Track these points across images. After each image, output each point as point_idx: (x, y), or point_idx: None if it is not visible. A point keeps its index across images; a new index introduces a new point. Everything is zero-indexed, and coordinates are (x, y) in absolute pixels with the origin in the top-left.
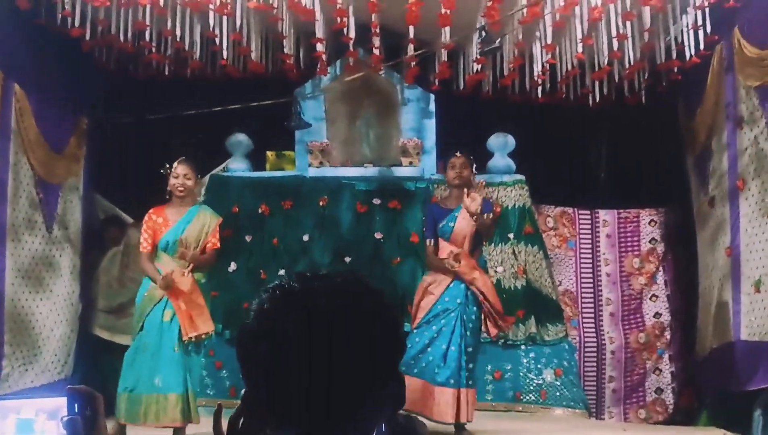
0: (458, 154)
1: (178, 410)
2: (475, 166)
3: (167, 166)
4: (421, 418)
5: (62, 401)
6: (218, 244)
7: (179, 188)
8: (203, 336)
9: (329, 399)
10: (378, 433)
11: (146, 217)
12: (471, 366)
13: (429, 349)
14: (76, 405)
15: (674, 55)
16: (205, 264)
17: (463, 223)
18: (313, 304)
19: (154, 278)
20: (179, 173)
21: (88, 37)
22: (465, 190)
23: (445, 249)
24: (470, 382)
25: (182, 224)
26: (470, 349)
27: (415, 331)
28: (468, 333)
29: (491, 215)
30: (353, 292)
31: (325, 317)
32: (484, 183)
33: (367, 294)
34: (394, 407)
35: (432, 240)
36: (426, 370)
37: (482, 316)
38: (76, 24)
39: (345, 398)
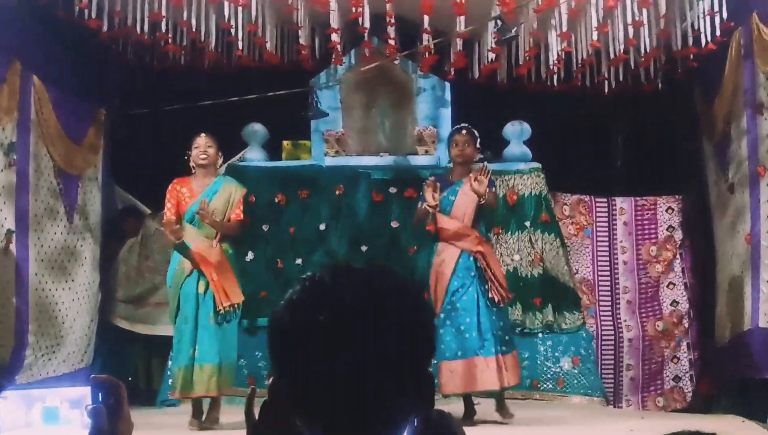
0: (463, 131)
1: (213, 381)
2: (479, 142)
3: (188, 152)
4: (473, 396)
5: (86, 390)
6: (242, 215)
7: (201, 156)
8: (236, 305)
9: (356, 394)
10: (411, 429)
11: (170, 187)
12: (500, 332)
13: (462, 328)
14: (100, 394)
15: (690, 42)
16: (230, 233)
17: (464, 199)
18: (343, 298)
19: (180, 243)
20: (200, 143)
21: (105, 28)
22: (470, 170)
23: (446, 223)
24: (504, 348)
25: (209, 194)
26: (494, 317)
27: (442, 316)
28: (489, 302)
29: (493, 189)
30: (385, 287)
31: (354, 311)
32: (488, 167)
33: (400, 290)
34: (423, 406)
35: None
36: (465, 348)
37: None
38: (93, 16)
39: (373, 394)
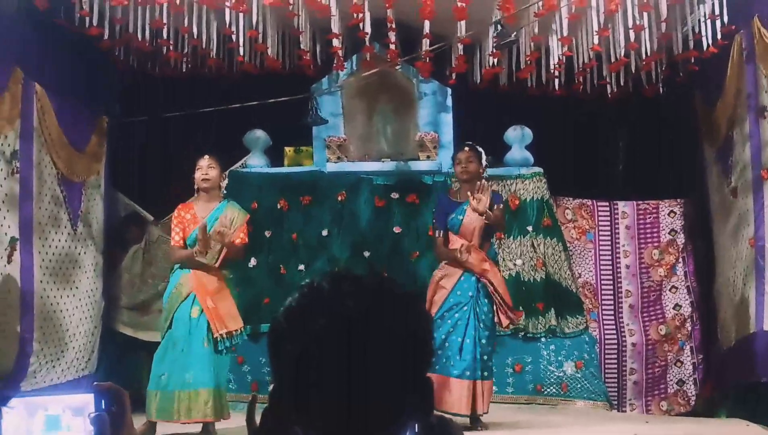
0: (465, 148)
1: (209, 406)
2: (485, 158)
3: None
4: (437, 412)
5: (88, 397)
6: (246, 240)
7: (203, 178)
8: (233, 333)
9: (355, 401)
10: (411, 433)
11: (175, 213)
12: (485, 358)
13: (446, 344)
14: (102, 401)
15: (692, 46)
16: (235, 256)
17: (472, 217)
18: (341, 306)
19: (190, 256)
20: (202, 165)
21: (106, 36)
22: (475, 186)
23: (456, 242)
24: (485, 374)
25: (211, 220)
26: (484, 341)
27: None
28: (481, 325)
29: (501, 206)
30: (384, 295)
31: (353, 319)
32: (486, 184)
33: (399, 297)
34: (422, 413)
35: (441, 231)
36: (443, 364)
37: (494, 308)
38: (94, 23)
39: (371, 401)
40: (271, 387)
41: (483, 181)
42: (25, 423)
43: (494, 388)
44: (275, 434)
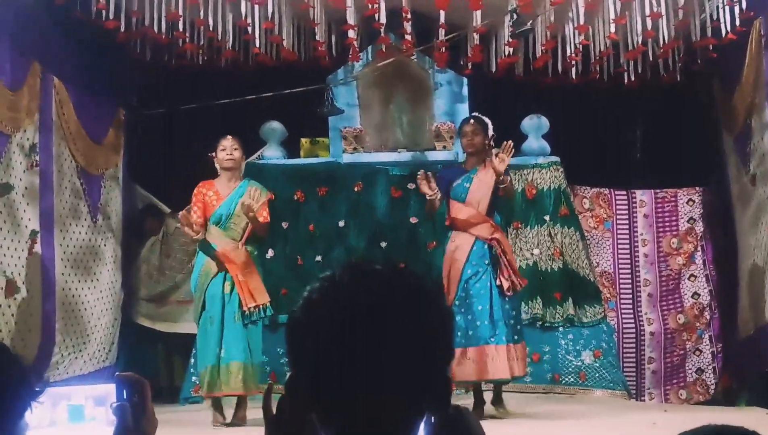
0: (470, 120)
1: (240, 379)
2: (491, 128)
3: (213, 153)
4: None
5: (109, 388)
6: (269, 219)
7: (227, 159)
8: (261, 307)
9: (372, 393)
10: (428, 426)
11: (196, 190)
12: (512, 322)
13: (474, 315)
14: (124, 391)
15: (710, 33)
16: (262, 232)
17: (479, 186)
18: (361, 299)
19: (189, 229)
20: (226, 145)
21: (122, 29)
22: (483, 159)
23: (461, 211)
24: (516, 337)
25: (235, 197)
26: (507, 306)
27: (456, 303)
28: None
29: (509, 178)
30: (404, 287)
31: (373, 312)
32: (511, 144)
33: (419, 290)
34: (439, 407)
35: (439, 192)
36: (477, 336)
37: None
38: (111, 16)
39: (389, 393)
40: (288, 377)
41: (509, 142)
42: (49, 414)
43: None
44: (291, 424)
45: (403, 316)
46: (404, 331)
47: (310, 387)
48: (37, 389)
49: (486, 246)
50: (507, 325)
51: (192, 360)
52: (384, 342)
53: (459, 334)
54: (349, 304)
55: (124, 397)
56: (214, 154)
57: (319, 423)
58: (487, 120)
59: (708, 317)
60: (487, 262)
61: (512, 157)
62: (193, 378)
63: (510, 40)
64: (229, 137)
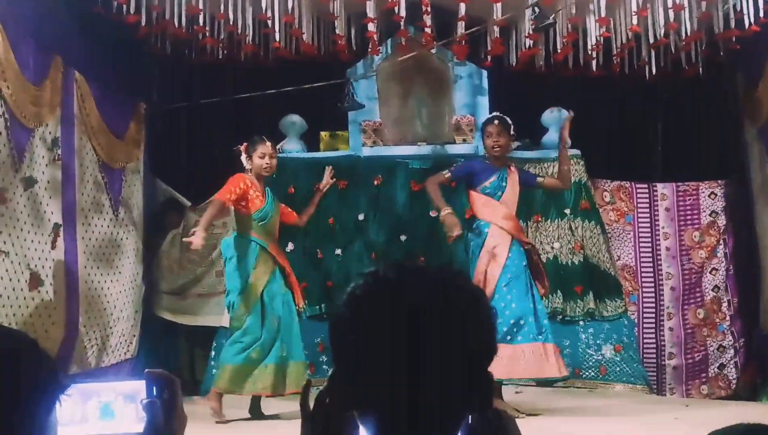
0: (495, 121)
1: (303, 378)
2: (512, 129)
3: (239, 146)
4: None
5: (139, 384)
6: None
7: (265, 167)
8: (304, 305)
9: (413, 392)
10: (466, 427)
11: (240, 178)
12: (548, 322)
13: (519, 314)
14: (154, 388)
15: (733, 24)
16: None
17: (512, 186)
18: (406, 297)
19: (207, 222)
20: (265, 153)
21: (143, 23)
22: (507, 159)
23: (497, 209)
24: (552, 338)
25: (272, 196)
26: (540, 306)
27: (496, 296)
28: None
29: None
30: (450, 289)
31: (417, 311)
32: (572, 115)
33: (466, 292)
34: (480, 408)
35: (451, 175)
36: (524, 333)
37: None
38: (131, 11)
39: (429, 393)
40: (330, 372)
41: (571, 112)
42: (80, 410)
43: None
44: (330, 418)
45: (448, 315)
46: (449, 330)
47: (353, 383)
48: (65, 383)
49: (522, 248)
50: (547, 324)
51: (212, 353)
52: (429, 341)
53: (509, 328)
54: (395, 301)
55: (154, 393)
56: (241, 149)
57: (358, 418)
58: (509, 120)
59: (730, 311)
60: (524, 263)
61: (532, 150)
62: (214, 371)
63: (531, 32)
64: (268, 144)
